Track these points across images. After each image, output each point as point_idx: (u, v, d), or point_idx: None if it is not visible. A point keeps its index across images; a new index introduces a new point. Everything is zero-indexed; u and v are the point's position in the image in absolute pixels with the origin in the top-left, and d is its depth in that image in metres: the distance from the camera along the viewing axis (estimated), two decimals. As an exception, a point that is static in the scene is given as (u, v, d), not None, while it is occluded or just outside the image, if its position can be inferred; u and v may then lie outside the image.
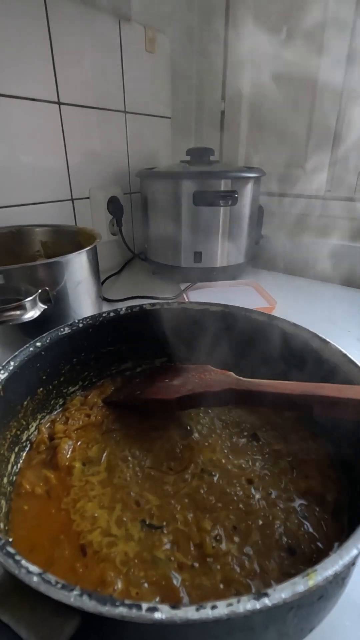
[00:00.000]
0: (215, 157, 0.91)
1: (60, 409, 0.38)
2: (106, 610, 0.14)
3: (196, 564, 0.24)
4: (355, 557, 0.16)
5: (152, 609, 0.14)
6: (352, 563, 0.16)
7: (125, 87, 0.84)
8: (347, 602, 0.25)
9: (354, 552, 0.16)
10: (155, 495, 0.29)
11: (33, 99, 0.66)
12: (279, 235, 0.91)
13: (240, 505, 0.28)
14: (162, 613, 0.14)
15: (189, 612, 0.14)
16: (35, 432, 0.35)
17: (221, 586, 0.23)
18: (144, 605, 0.14)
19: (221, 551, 0.25)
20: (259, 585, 0.23)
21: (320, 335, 0.35)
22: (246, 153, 0.98)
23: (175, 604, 0.14)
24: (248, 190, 0.76)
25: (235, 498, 0.28)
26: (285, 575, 0.23)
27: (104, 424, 0.36)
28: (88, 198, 0.83)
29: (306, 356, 0.35)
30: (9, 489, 0.29)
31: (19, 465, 0.32)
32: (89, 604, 0.14)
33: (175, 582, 0.23)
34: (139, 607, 0.14)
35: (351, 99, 0.80)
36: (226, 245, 0.79)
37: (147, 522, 0.26)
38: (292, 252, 0.90)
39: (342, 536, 0.26)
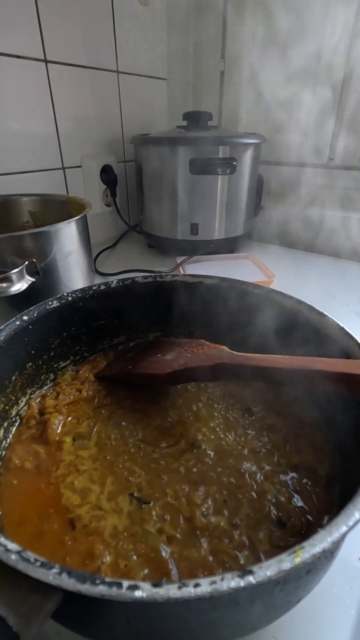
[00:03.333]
0: (215, 122, 0.86)
1: (51, 383, 0.38)
2: (85, 588, 0.14)
3: (185, 537, 0.24)
4: (344, 534, 0.16)
5: (133, 587, 0.14)
6: (341, 540, 0.16)
7: (117, 44, 0.78)
8: (336, 571, 0.25)
9: (343, 529, 0.16)
10: (145, 470, 0.28)
11: (17, 56, 0.62)
12: (279, 207, 0.88)
13: (232, 479, 0.27)
14: (143, 591, 0.14)
15: (170, 591, 0.14)
16: (26, 407, 0.34)
17: (210, 558, 0.23)
18: (125, 584, 0.14)
19: (211, 524, 0.25)
20: (248, 556, 0.23)
21: (317, 308, 0.33)
22: (247, 118, 0.93)
23: (157, 582, 0.14)
24: (247, 157, 0.73)
25: (226, 472, 0.28)
26: (275, 547, 0.23)
27: (96, 399, 0.36)
28: (80, 167, 0.79)
29: (303, 329, 0.34)
30: (-2, 463, 0.29)
31: (8, 440, 0.31)
32: (68, 582, 0.14)
33: (164, 554, 0.23)
34: (120, 586, 0.14)
35: (358, 61, 0.75)
36: (224, 216, 0.76)
37: (136, 496, 0.26)
38: (292, 225, 0.87)
39: (332, 509, 0.26)
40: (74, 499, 0.26)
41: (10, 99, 0.63)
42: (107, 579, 0.14)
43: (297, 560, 0.15)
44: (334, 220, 0.82)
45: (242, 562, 0.23)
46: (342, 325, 0.30)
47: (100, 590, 0.14)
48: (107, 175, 0.82)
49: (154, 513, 0.25)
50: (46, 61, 0.66)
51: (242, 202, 0.77)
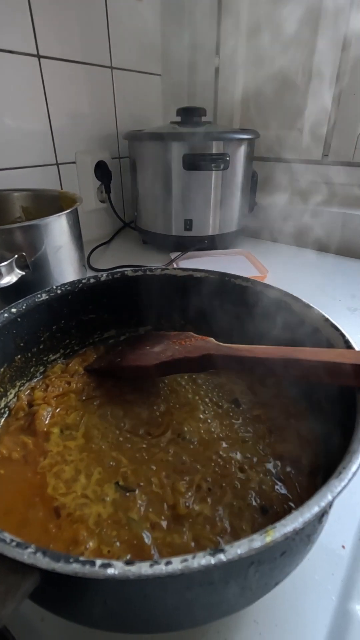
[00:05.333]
0: (209, 118, 0.86)
1: (41, 376, 0.38)
2: (59, 566, 0.14)
3: (169, 524, 0.24)
4: (317, 514, 0.16)
5: (106, 565, 0.14)
6: (316, 520, 0.16)
7: (111, 40, 0.78)
8: (319, 557, 0.26)
9: (315, 509, 0.16)
10: (131, 460, 0.29)
11: (9, 51, 0.61)
12: (273, 203, 0.88)
13: (216, 469, 0.28)
14: (115, 569, 0.14)
15: (142, 568, 0.14)
16: (15, 399, 0.35)
17: (192, 544, 0.23)
18: (98, 562, 0.14)
19: (194, 511, 0.25)
20: (229, 542, 0.23)
21: (303, 300, 0.34)
22: (241, 114, 0.93)
23: (129, 560, 0.14)
24: (241, 153, 0.73)
25: (211, 461, 0.28)
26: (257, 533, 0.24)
27: (85, 391, 0.36)
28: (74, 162, 0.79)
29: (289, 322, 0.34)
30: (-15, 454, 0.29)
31: (-4, 431, 0.31)
32: (43, 561, 0.14)
33: (147, 540, 0.23)
34: (92, 564, 0.14)
35: (353, 57, 0.75)
36: (218, 212, 0.77)
37: (122, 485, 0.26)
38: (286, 220, 0.87)
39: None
40: (59, 488, 0.26)
41: (2, 94, 0.63)
42: (81, 558, 0.14)
43: (268, 539, 0.15)
44: (328, 216, 0.82)
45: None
46: (327, 316, 0.31)
47: (74, 568, 0.14)
48: (102, 171, 0.82)
49: (138, 501, 0.26)
50: (39, 56, 0.66)
51: (236, 198, 0.77)
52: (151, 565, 0.14)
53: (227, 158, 0.69)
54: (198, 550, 0.22)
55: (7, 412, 0.33)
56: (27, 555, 0.15)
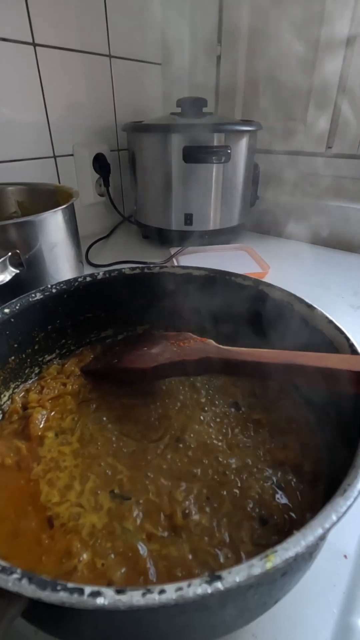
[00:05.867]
0: (210, 109, 0.84)
1: (36, 377, 0.37)
2: (45, 595, 0.13)
3: (165, 535, 0.23)
4: (321, 537, 0.15)
5: (95, 594, 0.13)
6: (317, 542, 0.15)
7: (109, 27, 0.76)
8: (320, 568, 0.25)
9: (319, 532, 0.15)
10: (128, 466, 0.28)
11: (3, 39, 0.59)
12: (276, 197, 0.86)
13: (215, 476, 0.27)
14: (106, 599, 0.13)
15: (134, 598, 0.13)
16: (9, 402, 0.34)
17: (189, 556, 0.22)
18: (87, 590, 0.13)
19: (192, 522, 0.24)
20: (228, 554, 0.22)
21: (306, 300, 0.32)
22: (244, 105, 0.91)
23: (120, 589, 0.13)
24: (243, 145, 0.71)
25: (210, 468, 0.28)
26: (256, 545, 0.23)
27: (81, 393, 0.35)
28: (72, 155, 0.77)
29: (292, 322, 0.33)
30: (-23, 459, 0.28)
31: (-11, 435, 0.31)
32: (28, 589, 0.13)
33: (142, 552, 0.22)
34: (81, 592, 0.13)
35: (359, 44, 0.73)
36: (219, 207, 0.75)
37: (117, 493, 0.26)
38: (289, 215, 0.85)
39: (316, 506, 0.25)
40: (53, 497, 0.26)
41: (-3, 84, 0.61)
42: (70, 585, 0.14)
43: (269, 565, 0.14)
44: (332, 210, 0.80)
45: (221, 560, 0.22)
46: (330, 318, 0.30)
47: (61, 597, 0.13)
48: (100, 164, 0.80)
49: (134, 510, 0.25)
50: (34, 44, 0.64)
51: (237, 192, 0.76)
52: (143, 595, 0.13)
53: (229, 150, 0.67)
54: (196, 564, 0.22)
55: (1, 416, 0.32)
56: (12, 583, 0.14)
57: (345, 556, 0.26)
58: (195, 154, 0.67)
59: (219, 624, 0.17)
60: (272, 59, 0.82)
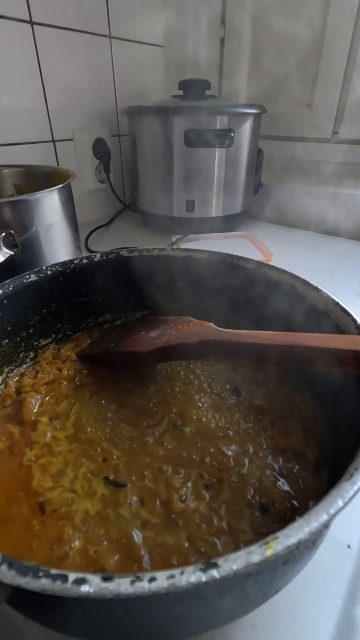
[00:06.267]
0: (213, 92, 0.82)
1: (31, 362, 0.36)
2: (25, 582, 0.12)
3: (161, 522, 0.22)
4: (325, 524, 0.14)
5: (80, 581, 0.12)
6: (322, 529, 0.14)
7: (109, 6, 0.73)
8: (323, 558, 0.24)
9: (324, 518, 0.14)
10: (123, 451, 0.27)
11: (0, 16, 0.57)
12: (280, 183, 0.84)
13: (214, 463, 0.26)
14: (91, 586, 0.12)
15: (121, 586, 0.12)
16: (2, 386, 0.33)
17: (186, 544, 0.21)
18: (71, 577, 0.12)
19: (189, 509, 0.23)
20: (227, 542, 0.21)
21: (311, 282, 0.31)
22: (247, 88, 0.88)
23: (107, 576, 0.12)
24: (246, 129, 0.69)
25: (209, 455, 0.26)
26: (256, 534, 0.22)
27: (77, 378, 0.34)
28: (71, 140, 0.76)
29: (296, 305, 0.31)
30: (-32, 444, 0.27)
31: (-19, 420, 0.30)
32: (7, 575, 0.12)
33: (137, 539, 0.22)
34: (65, 579, 0.12)
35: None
36: (221, 193, 0.73)
37: (112, 479, 0.25)
38: (293, 202, 0.83)
39: (320, 494, 0.24)
40: (45, 482, 0.25)
41: (-7, 63, 0.59)
42: (53, 571, 0.13)
43: (269, 552, 0.13)
44: (337, 198, 0.78)
45: (220, 549, 0.21)
46: (336, 300, 0.28)
47: (43, 584, 0.12)
48: (100, 149, 0.78)
49: (129, 497, 0.24)
50: (32, 22, 0.62)
51: (240, 178, 0.74)
52: (132, 582, 0.12)
53: (232, 134, 0.65)
54: (192, 552, 0.21)
55: (-6, 400, 0.31)
56: (-10, 568, 0.13)
57: (349, 546, 0.25)
58: (197, 138, 0.65)
59: (216, 614, 0.16)
60: (278, 40, 0.79)
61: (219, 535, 0.22)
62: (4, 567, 0.13)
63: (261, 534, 0.22)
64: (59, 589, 0.12)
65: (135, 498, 0.24)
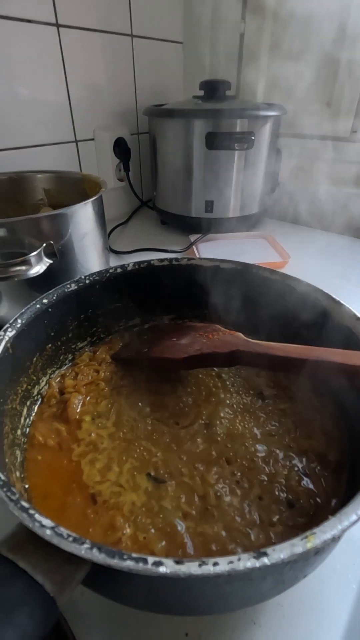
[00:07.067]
0: (232, 91, 0.82)
1: (70, 364, 0.39)
2: (115, 562, 0.15)
3: (200, 514, 0.26)
4: (354, 523, 0.17)
5: (158, 563, 0.15)
6: (351, 527, 0.17)
7: (131, 5, 0.74)
8: (340, 547, 0.27)
9: (353, 517, 0.17)
10: (161, 449, 0.30)
11: (28, 20, 0.59)
12: (298, 183, 0.85)
13: (244, 462, 0.29)
14: (167, 567, 0.15)
15: (192, 568, 0.15)
16: (46, 387, 0.36)
17: (223, 533, 0.24)
18: (150, 560, 0.15)
19: (224, 503, 0.26)
20: (258, 533, 0.24)
21: (334, 296, 0.33)
22: (266, 85, 0.88)
23: (179, 560, 0.15)
24: (266, 131, 0.70)
25: (238, 454, 0.29)
26: (285, 526, 0.25)
27: (113, 379, 0.37)
28: (93, 140, 0.77)
29: (318, 318, 0.34)
30: (23, 440, 0.31)
31: (31, 417, 0.33)
32: (99, 557, 0.15)
33: (180, 529, 0.25)
34: (145, 561, 0.15)
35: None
36: (240, 194, 0.75)
37: (153, 475, 0.28)
38: (311, 202, 0.84)
39: (340, 492, 0.27)
40: (94, 476, 0.28)
41: (21, 67, 0.60)
42: (134, 555, 0.16)
43: (309, 545, 0.16)
44: (355, 198, 0.79)
45: (253, 539, 0.24)
46: (358, 315, 0.30)
47: (128, 564, 0.15)
48: (121, 148, 0.80)
49: (169, 491, 0.27)
50: (58, 25, 0.63)
51: (259, 178, 0.75)
52: (200, 565, 0.15)
53: (252, 137, 0.66)
54: (229, 540, 0.24)
55: (40, 400, 0.35)
56: (85, 551, 0.16)
57: (364, 537, 0.28)
58: (218, 141, 0.66)
59: (256, 594, 0.19)
60: (298, 36, 0.79)
61: (251, 526, 0.25)
62: (94, 550, 0.16)
63: (289, 526, 0.25)
64: (142, 569, 0.15)
65: (175, 492, 0.27)
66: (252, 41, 0.85)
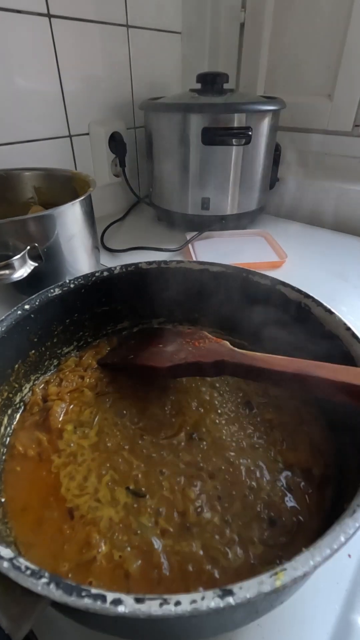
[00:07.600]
0: (231, 84, 0.80)
1: (55, 369, 0.38)
2: (71, 600, 0.15)
3: (178, 531, 0.25)
4: (327, 558, 0.16)
5: (117, 602, 0.14)
6: (324, 562, 0.16)
7: (127, -7, 0.71)
8: (324, 567, 0.26)
9: (327, 552, 0.16)
10: (143, 461, 0.29)
11: (17, 11, 0.57)
12: (297, 179, 0.83)
13: (226, 476, 0.28)
14: (126, 607, 0.14)
15: (152, 608, 0.14)
16: (29, 394, 0.35)
17: (200, 552, 0.24)
18: (109, 597, 0.15)
19: (204, 520, 0.25)
20: (237, 552, 0.24)
21: (324, 304, 0.32)
22: (266, 77, 0.86)
23: (139, 597, 0.15)
24: (265, 125, 0.68)
25: (222, 467, 0.29)
26: (265, 545, 0.24)
27: (98, 386, 0.36)
28: (87, 134, 0.76)
29: (308, 326, 0.33)
30: (2, 450, 0.30)
31: (12, 426, 0.32)
32: (55, 593, 0.15)
33: (157, 546, 0.24)
34: (104, 599, 0.15)
35: None
36: (237, 190, 0.73)
37: (132, 489, 0.27)
38: (310, 199, 0.82)
39: (324, 508, 0.26)
40: (72, 489, 0.27)
41: (11, 60, 0.59)
42: (93, 591, 0.15)
43: (278, 583, 0.15)
44: (356, 195, 0.77)
45: (230, 558, 0.23)
46: (349, 325, 0.29)
47: (85, 603, 0.14)
48: (116, 143, 0.78)
49: (149, 506, 0.26)
50: (49, 15, 0.61)
51: (257, 175, 0.73)
52: (160, 605, 0.14)
53: (250, 132, 0.64)
54: (206, 560, 0.23)
55: (23, 407, 0.34)
56: (41, 587, 0.15)
57: (349, 555, 0.28)
58: (214, 136, 0.64)
59: (228, 623, 0.19)
60: (300, 27, 0.76)
61: (230, 545, 0.24)
62: (52, 586, 0.15)
63: (269, 546, 0.24)
64: (99, 608, 0.14)
65: (154, 507, 0.26)
66: (253, 31, 0.82)
